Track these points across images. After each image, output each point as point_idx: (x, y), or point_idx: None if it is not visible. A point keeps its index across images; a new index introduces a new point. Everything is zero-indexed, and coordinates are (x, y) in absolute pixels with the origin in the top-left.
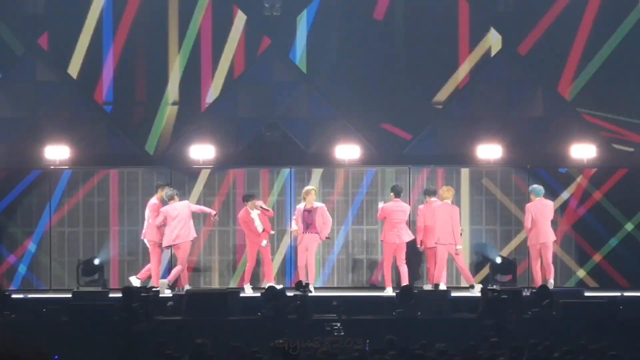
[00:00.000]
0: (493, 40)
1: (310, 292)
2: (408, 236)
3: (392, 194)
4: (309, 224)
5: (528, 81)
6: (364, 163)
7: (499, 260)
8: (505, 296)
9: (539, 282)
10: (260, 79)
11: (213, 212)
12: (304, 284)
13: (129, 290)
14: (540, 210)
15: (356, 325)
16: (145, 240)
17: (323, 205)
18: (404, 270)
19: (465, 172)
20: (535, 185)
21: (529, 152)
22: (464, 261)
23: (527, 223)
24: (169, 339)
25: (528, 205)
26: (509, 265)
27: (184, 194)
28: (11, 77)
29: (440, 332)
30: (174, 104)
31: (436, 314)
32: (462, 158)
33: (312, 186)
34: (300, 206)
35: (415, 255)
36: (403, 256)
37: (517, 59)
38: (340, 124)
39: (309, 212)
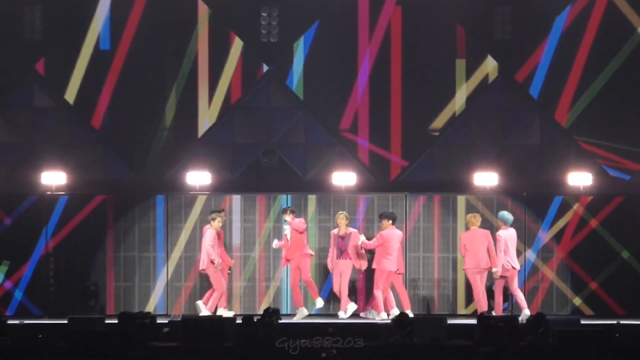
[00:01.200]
0: (490, 68)
1: (279, 319)
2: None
3: (389, 220)
4: (342, 250)
5: (525, 108)
6: (360, 190)
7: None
8: (501, 324)
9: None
10: (257, 105)
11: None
12: (270, 311)
13: (125, 316)
14: (511, 238)
15: (351, 352)
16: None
17: (356, 230)
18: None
19: (461, 200)
20: (504, 213)
21: (525, 180)
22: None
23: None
24: None
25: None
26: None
27: (180, 220)
28: (8, 102)
29: (436, 358)
30: (169, 129)
31: (432, 340)
32: (458, 185)
33: (342, 211)
34: (335, 231)
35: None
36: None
37: (514, 86)
38: (337, 150)
39: (342, 239)
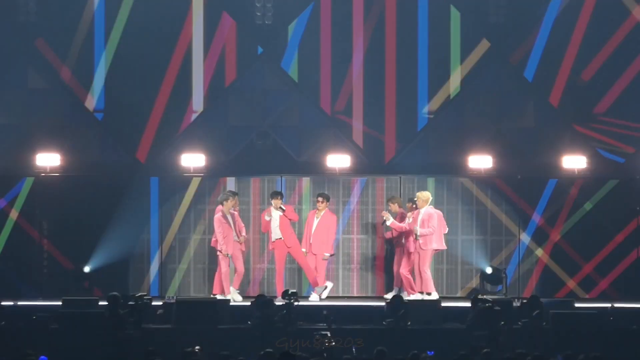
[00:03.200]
0: (484, 51)
1: (297, 301)
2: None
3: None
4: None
5: (519, 91)
6: (354, 172)
7: (489, 270)
8: (496, 307)
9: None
10: (251, 87)
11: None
12: (289, 293)
13: (114, 297)
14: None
15: (346, 335)
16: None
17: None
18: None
19: (455, 182)
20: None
21: (519, 163)
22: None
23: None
24: (158, 347)
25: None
26: (499, 275)
27: (174, 203)
28: (2, 84)
29: (429, 342)
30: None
31: (426, 324)
32: (453, 168)
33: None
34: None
35: None
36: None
37: (508, 69)
38: (331, 132)
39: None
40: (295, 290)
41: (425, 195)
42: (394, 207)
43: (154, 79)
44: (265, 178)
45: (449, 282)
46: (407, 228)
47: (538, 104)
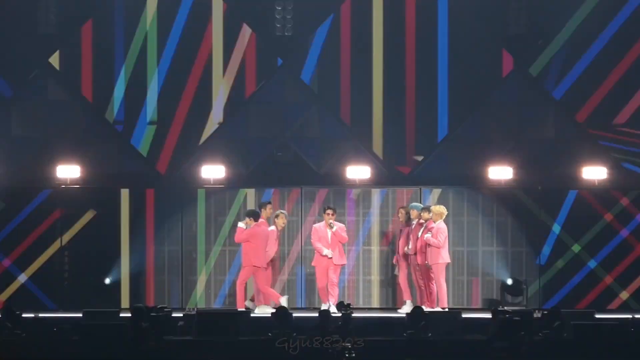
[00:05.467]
0: (505, 62)
1: (352, 312)
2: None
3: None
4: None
5: (539, 102)
6: (374, 183)
7: (509, 281)
8: (517, 318)
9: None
10: (271, 99)
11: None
12: (345, 304)
13: (138, 309)
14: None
15: (366, 346)
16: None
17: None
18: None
19: (475, 193)
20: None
21: (540, 174)
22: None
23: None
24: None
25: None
26: (519, 286)
27: (194, 214)
28: (23, 95)
29: (450, 353)
30: (151, 123)
31: (447, 335)
32: (473, 179)
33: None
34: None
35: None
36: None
37: (529, 80)
38: (351, 144)
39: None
40: (349, 302)
41: (439, 210)
42: (402, 215)
43: (175, 90)
44: (285, 190)
45: (469, 294)
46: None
47: (558, 115)
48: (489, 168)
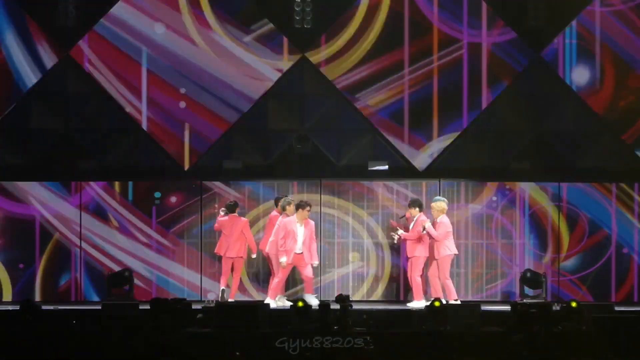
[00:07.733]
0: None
1: (351, 306)
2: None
3: (416, 208)
4: None
5: (559, 95)
6: (394, 176)
7: (528, 274)
8: (535, 310)
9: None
10: (290, 91)
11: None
12: (343, 297)
13: (157, 302)
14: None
15: (384, 339)
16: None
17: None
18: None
19: (494, 186)
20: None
21: (560, 168)
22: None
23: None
24: (198, 352)
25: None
26: (539, 279)
27: (213, 207)
28: (43, 88)
29: (469, 346)
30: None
31: (465, 327)
32: (492, 172)
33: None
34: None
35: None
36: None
37: (548, 72)
38: (370, 136)
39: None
40: (348, 295)
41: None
42: (414, 211)
43: (194, 82)
44: (305, 182)
45: (488, 286)
46: (417, 235)
47: (578, 108)
48: (509, 161)
